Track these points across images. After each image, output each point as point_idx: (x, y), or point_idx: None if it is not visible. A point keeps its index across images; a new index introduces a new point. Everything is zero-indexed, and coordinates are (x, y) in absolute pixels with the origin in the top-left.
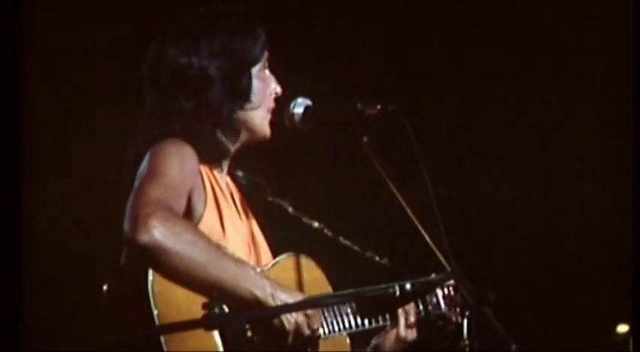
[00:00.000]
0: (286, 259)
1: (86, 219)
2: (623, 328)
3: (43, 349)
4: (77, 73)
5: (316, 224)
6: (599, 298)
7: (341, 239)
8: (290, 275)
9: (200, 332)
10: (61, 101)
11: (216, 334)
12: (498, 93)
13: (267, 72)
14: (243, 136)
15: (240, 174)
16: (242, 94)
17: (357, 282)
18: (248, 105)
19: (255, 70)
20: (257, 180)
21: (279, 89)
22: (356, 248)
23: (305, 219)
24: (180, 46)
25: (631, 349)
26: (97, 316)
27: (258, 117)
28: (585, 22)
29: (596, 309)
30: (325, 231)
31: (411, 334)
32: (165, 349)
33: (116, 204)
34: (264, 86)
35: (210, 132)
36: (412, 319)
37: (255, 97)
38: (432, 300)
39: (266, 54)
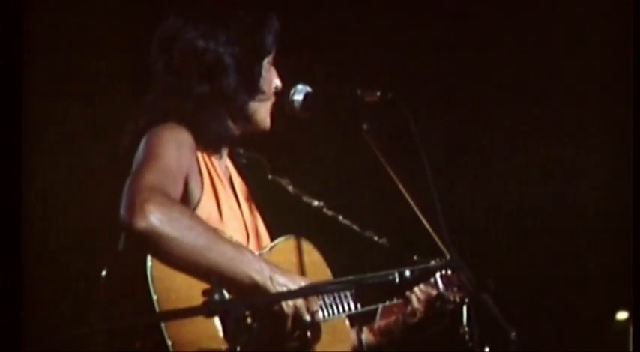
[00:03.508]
0: (284, 242)
1: (84, 204)
2: (622, 315)
3: (43, 335)
4: (77, 71)
5: (316, 203)
6: (598, 285)
7: (340, 218)
8: (288, 258)
9: (200, 317)
10: (60, 94)
11: (216, 318)
12: (500, 84)
13: (272, 66)
14: (248, 126)
15: (240, 151)
16: (254, 85)
17: (356, 263)
18: (260, 96)
19: (265, 62)
20: (257, 158)
21: (279, 84)
22: (355, 227)
23: (305, 198)
24: (199, 29)
25: (631, 336)
26: (96, 302)
27: (264, 109)
28: (585, 22)
29: (595, 296)
30: (325, 210)
31: (419, 313)
32: (165, 334)
33: (114, 190)
34: (271, 79)
35: (223, 118)
36: (423, 297)
37: (266, 88)
38: (429, 281)
39: (275, 47)
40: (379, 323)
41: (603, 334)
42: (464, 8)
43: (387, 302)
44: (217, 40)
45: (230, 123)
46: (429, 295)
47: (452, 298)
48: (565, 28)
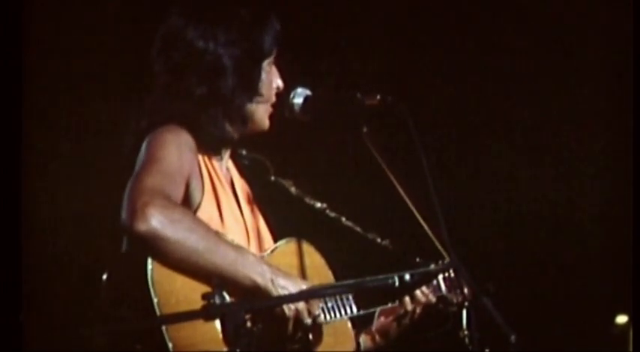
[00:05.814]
0: (286, 245)
1: (85, 207)
2: (622, 319)
3: (44, 339)
4: (77, 71)
5: (319, 204)
6: (598, 289)
7: (343, 220)
8: (290, 261)
9: (201, 320)
10: (61, 94)
11: (217, 320)
12: (500, 87)
13: (273, 66)
14: (245, 128)
15: (243, 153)
16: (252, 87)
17: (358, 266)
18: (258, 99)
19: (265, 64)
20: (260, 159)
21: (281, 84)
22: (358, 229)
23: (307, 200)
24: (199, 30)
25: (630, 340)
26: (97, 305)
27: (262, 110)
28: (585, 21)
29: (595, 300)
30: (327, 212)
31: (415, 315)
32: (166, 336)
33: (115, 192)
34: (271, 80)
35: (221, 120)
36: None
37: (265, 91)
38: (432, 283)
39: (276, 48)
40: (376, 325)
41: (603, 337)
42: (464, 12)
43: (389, 305)
44: (217, 41)
45: (227, 126)
46: (428, 297)
47: (455, 300)
48: (564, 29)
